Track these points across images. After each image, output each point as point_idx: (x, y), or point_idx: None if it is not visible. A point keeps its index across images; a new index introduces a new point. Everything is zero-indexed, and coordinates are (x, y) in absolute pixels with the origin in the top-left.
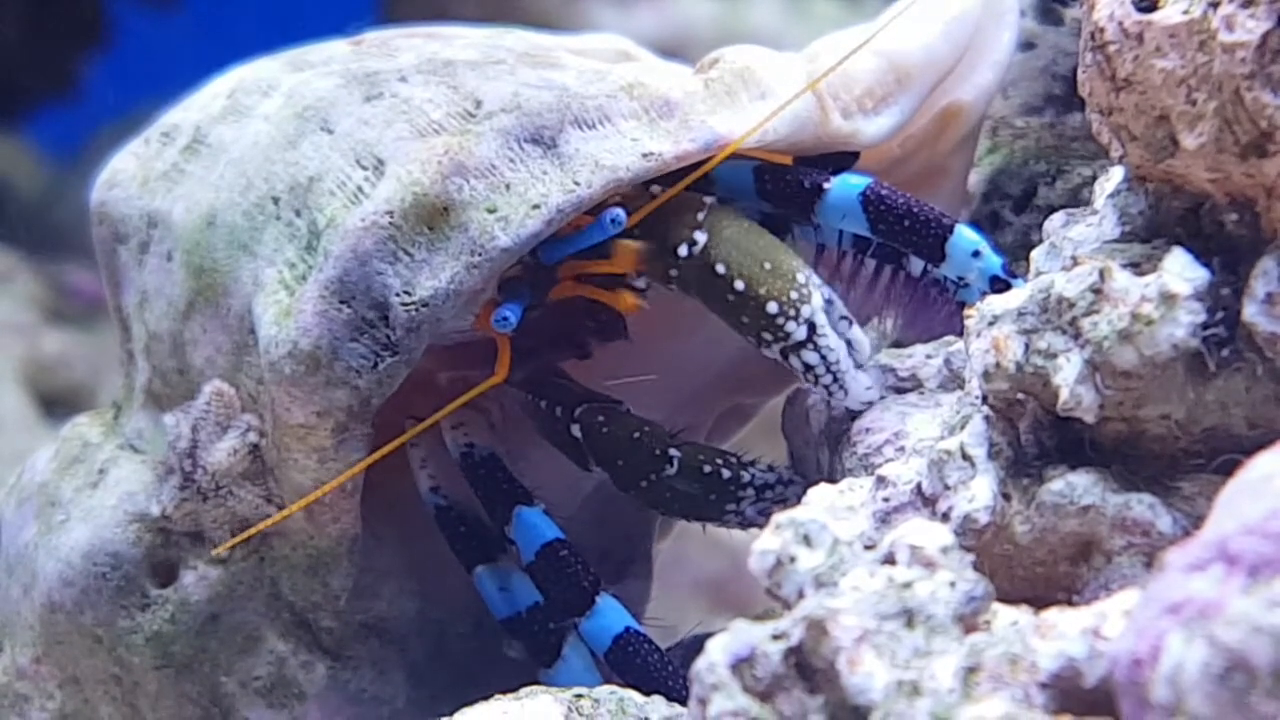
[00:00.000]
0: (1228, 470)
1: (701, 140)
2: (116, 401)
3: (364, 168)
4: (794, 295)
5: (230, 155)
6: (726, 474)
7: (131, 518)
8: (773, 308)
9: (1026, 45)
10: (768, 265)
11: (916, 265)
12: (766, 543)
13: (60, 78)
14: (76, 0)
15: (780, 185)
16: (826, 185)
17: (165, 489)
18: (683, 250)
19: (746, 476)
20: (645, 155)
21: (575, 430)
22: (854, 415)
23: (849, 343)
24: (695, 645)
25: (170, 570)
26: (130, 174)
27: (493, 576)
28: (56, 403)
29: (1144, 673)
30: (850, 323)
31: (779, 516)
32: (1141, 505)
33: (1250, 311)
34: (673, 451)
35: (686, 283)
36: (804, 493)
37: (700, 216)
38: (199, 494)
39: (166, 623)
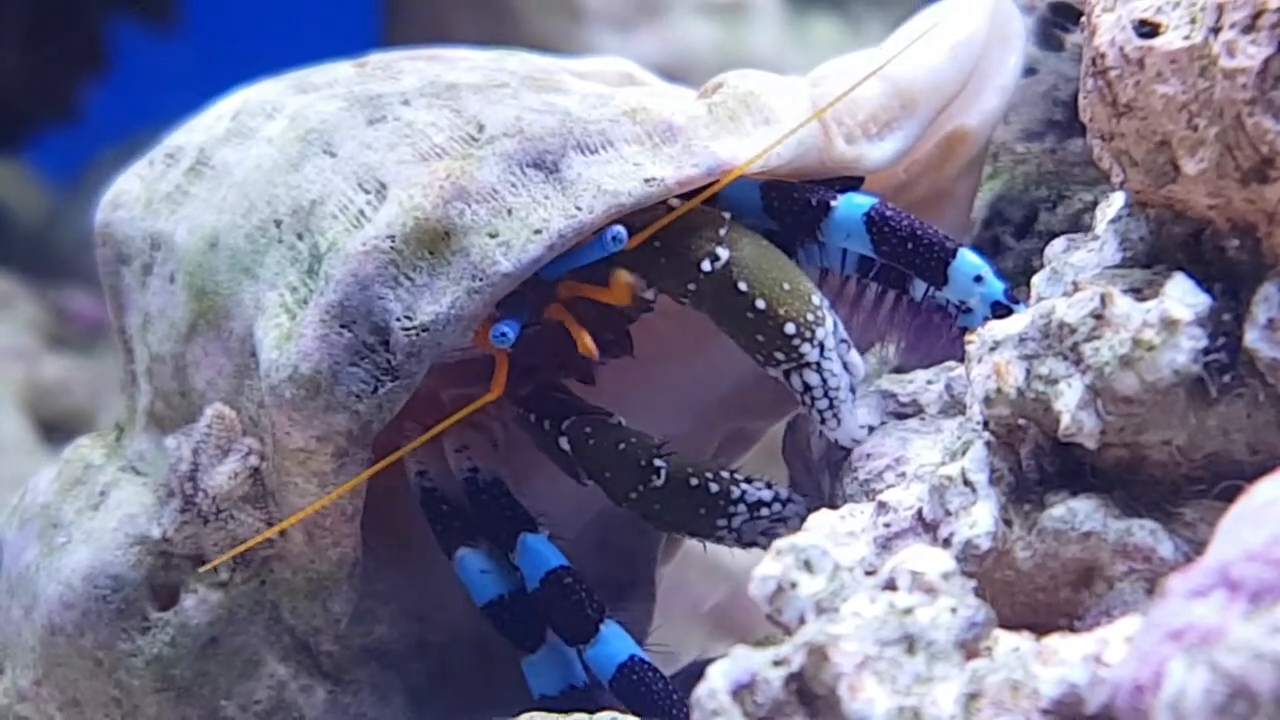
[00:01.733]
0: (1229, 496)
1: (704, 165)
2: (119, 423)
3: (366, 191)
4: (810, 317)
5: (234, 178)
6: (715, 488)
7: (132, 540)
8: (790, 329)
9: (1028, 71)
10: (786, 286)
11: (919, 290)
12: (767, 568)
13: (60, 102)
14: (76, 24)
15: (787, 202)
16: (833, 203)
17: (166, 512)
18: (706, 265)
19: (737, 492)
20: (647, 180)
21: (563, 443)
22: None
23: (846, 365)
24: (696, 671)
25: (171, 593)
26: (134, 195)
27: (475, 559)
28: (56, 427)
29: (1146, 699)
30: (849, 346)
31: (780, 542)
32: (1143, 531)
33: (1252, 337)
34: (658, 463)
35: (702, 297)
36: (805, 512)
37: (721, 232)
38: (199, 517)
39: (166, 646)
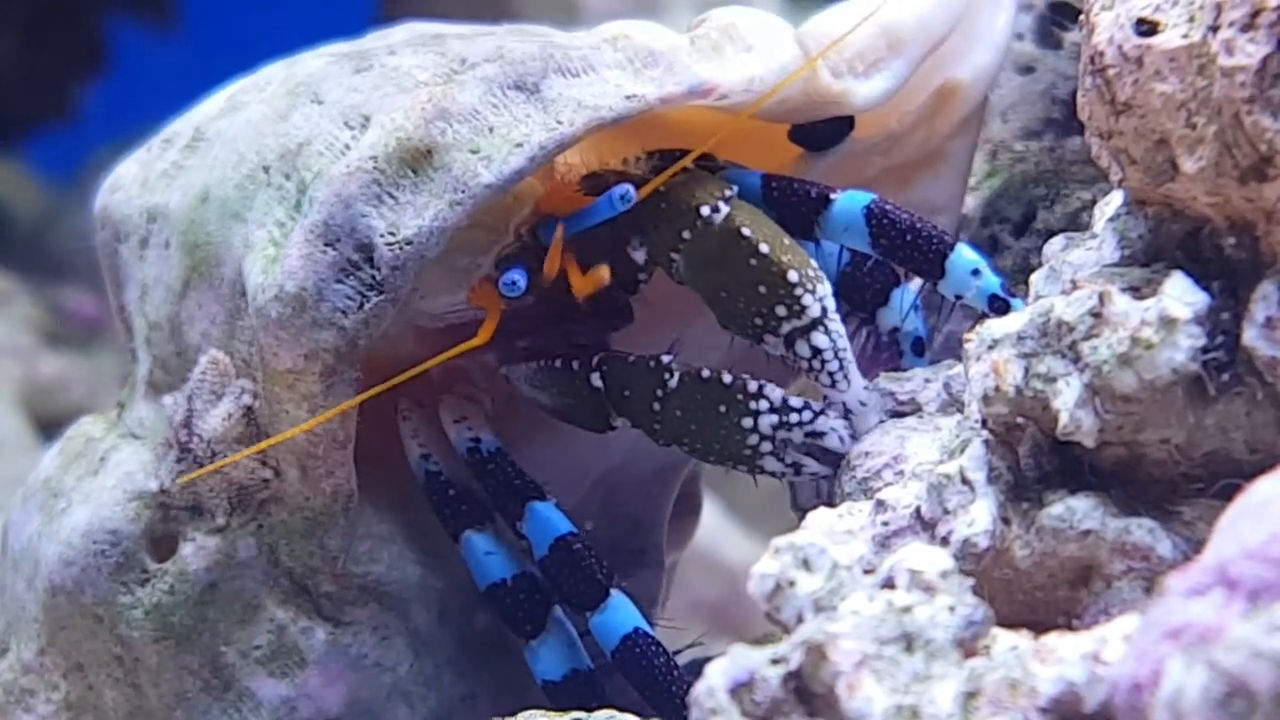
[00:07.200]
0: (1228, 495)
1: (686, 84)
2: (121, 401)
3: (351, 128)
4: (811, 272)
5: (225, 138)
6: (728, 379)
7: (130, 495)
8: (794, 276)
9: (1026, 69)
10: (787, 241)
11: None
12: (765, 566)
13: (58, 100)
14: (74, 23)
15: (788, 192)
16: (834, 196)
17: (164, 464)
18: (706, 210)
19: (754, 385)
20: (629, 97)
21: (595, 380)
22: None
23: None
24: (694, 669)
25: (170, 544)
26: (132, 177)
27: (481, 541)
28: (54, 425)
29: (1144, 697)
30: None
31: (778, 540)
32: (1141, 529)
33: (1250, 335)
34: (666, 359)
35: (697, 252)
36: (846, 434)
37: (727, 191)
38: (195, 463)
39: (165, 594)
